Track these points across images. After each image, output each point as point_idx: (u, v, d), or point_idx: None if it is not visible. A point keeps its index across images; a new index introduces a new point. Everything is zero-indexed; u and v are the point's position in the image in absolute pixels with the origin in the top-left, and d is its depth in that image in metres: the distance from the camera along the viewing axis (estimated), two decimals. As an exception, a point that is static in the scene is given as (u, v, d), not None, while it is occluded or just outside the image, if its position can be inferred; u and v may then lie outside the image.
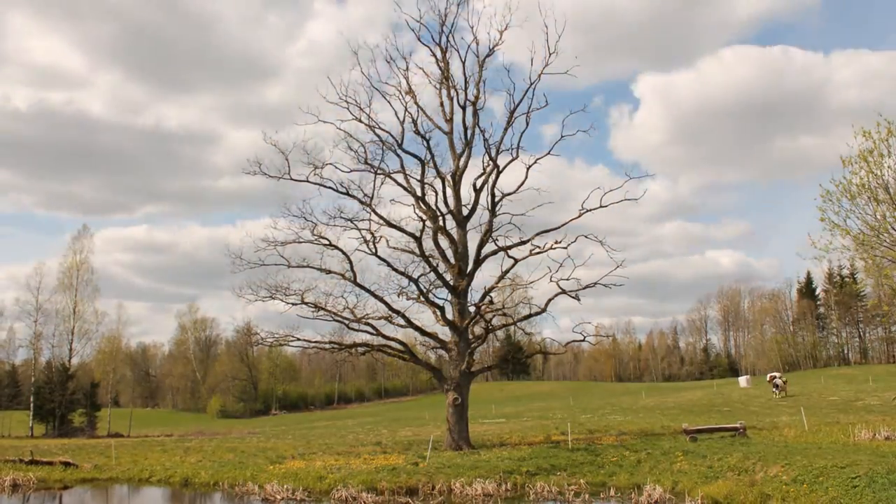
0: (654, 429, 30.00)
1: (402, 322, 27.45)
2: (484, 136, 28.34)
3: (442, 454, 24.59)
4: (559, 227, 27.81)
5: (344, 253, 27.12)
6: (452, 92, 28.71)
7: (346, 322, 27.20)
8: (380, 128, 27.92)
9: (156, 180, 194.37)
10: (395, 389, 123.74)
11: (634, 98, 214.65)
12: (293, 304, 26.75)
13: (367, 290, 27.14)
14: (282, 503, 19.54)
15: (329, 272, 27.13)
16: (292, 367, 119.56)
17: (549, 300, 27.68)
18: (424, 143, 27.94)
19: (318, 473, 21.97)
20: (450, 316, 27.39)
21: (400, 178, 28.21)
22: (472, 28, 27.94)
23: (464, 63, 28.21)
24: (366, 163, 27.50)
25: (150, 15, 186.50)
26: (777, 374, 52.27)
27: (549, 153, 28.39)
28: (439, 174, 28.16)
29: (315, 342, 28.33)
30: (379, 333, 27.42)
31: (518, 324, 29.13)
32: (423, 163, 27.97)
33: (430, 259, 27.51)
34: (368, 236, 27.04)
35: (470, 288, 27.84)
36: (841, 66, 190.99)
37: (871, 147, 21.30)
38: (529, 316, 29.05)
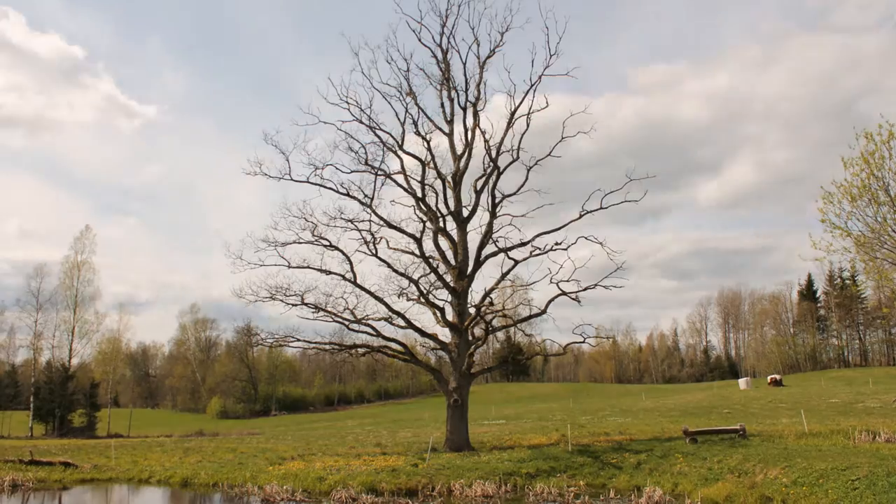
0: (654, 431, 29.92)
1: (402, 323, 27.44)
2: (484, 137, 28.38)
3: (442, 455, 24.56)
4: (559, 229, 27.79)
5: (344, 254, 27.15)
6: (453, 93, 28.75)
7: (347, 323, 27.19)
8: (380, 129, 27.98)
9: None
10: (395, 391, 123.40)
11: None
12: (293, 304, 26.75)
13: (368, 291, 27.13)
14: (281, 504, 19.53)
15: (329, 273, 27.14)
16: (292, 369, 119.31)
17: (550, 301, 27.67)
18: (425, 144, 28.00)
19: (318, 474, 21.97)
20: (450, 317, 27.38)
21: (400, 179, 28.26)
22: (472, 29, 27.98)
23: (464, 64, 28.28)
24: (366, 164, 27.51)
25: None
26: (777, 376, 52.26)
27: (549, 155, 28.36)
28: (440, 175, 28.15)
29: (315, 343, 28.29)
30: (379, 334, 27.39)
31: (518, 325, 29.08)
32: (423, 164, 27.98)
33: (431, 260, 27.51)
34: (369, 237, 27.08)
35: (470, 289, 27.82)
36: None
37: (872, 149, 21.29)
38: (530, 317, 29.01)
